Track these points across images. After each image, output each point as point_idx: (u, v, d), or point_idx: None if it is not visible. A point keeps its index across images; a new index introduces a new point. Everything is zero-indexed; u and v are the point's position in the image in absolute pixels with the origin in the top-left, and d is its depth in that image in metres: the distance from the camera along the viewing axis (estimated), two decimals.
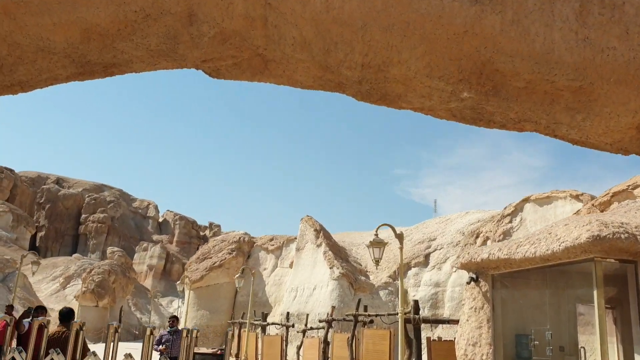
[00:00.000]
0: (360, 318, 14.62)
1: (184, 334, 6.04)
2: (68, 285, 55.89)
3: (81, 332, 5.52)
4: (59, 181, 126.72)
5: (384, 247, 11.22)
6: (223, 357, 15.33)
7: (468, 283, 9.95)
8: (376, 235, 11.32)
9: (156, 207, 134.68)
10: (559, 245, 7.67)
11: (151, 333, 6.09)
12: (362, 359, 14.09)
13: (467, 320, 9.91)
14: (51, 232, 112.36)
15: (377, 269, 11.30)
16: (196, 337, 6.62)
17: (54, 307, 47.83)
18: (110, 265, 44.87)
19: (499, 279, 9.59)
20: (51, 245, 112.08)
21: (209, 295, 28.85)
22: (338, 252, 22.57)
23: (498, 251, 9.10)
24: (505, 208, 18.93)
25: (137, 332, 47.20)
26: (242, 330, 21.31)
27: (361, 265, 24.04)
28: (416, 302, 12.68)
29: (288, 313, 19.96)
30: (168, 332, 11.12)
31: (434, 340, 12.31)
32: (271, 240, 29.67)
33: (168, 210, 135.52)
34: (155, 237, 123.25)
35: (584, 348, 8.45)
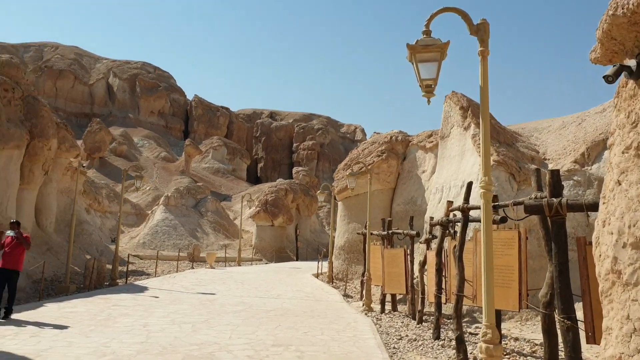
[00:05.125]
0: (474, 213, 8.76)
1: None
2: None
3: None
4: (272, 115, 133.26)
5: (441, 56, 5.26)
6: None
7: (610, 81, 3.64)
8: (426, 33, 5.39)
9: (363, 131, 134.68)
10: None
11: None
12: (475, 279, 8.37)
13: (619, 183, 3.71)
14: (269, 162, 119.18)
15: (428, 103, 5.39)
16: None
17: (249, 230, 48.66)
18: (289, 185, 43.35)
19: None
20: (270, 174, 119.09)
21: (360, 205, 24.53)
22: (495, 135, 16.03)
23: None
24: None
25: (325, 250, 45.58)
26: (366, 244, 16.55)
27: (537, 153, 17.18)
28: (555, 173, 6.43)
29: (412, 218, 14.49)
30: None
31: (590, 243, 6.08)
32: (429, 136, 23.79)
33: (375, 133, 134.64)
34: None
35: None
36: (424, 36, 5.47)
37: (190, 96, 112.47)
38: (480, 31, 5.43)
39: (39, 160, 17.88)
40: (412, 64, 5.48)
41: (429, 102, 5.49)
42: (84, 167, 22.85)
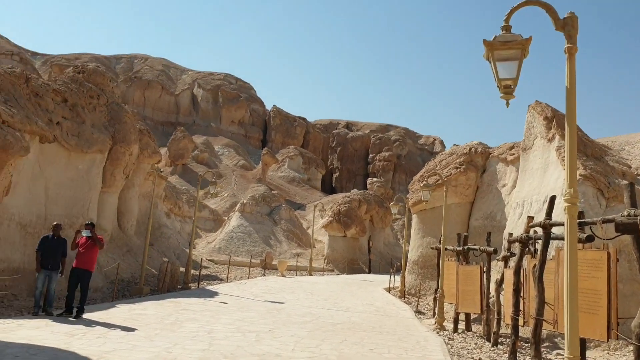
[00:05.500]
0: (557, 230, 8.03)
1: None
2: None
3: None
4: (348, 125, 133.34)
5: (522, 53, 4.76)
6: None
7: None
8: (506, 28, 4.90)
9: (442, 142, 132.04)
10: None
11: None
12: (557, 302, 7.65)
13: None
14: (344, 172, 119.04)
15: (507, 105, 4.89)
16: None
17: (322, 240, 48.60)
18: (363, 195, 42.92)
19: None
20: (345, 184, 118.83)
21: (436, 219, 23.70)
22: (582, 147, 14.95)
23: None
24: None
25: (398, 263, 44.71)
26: (440, 259, 15.85)
27: (629, 167, 15.89)
28: None
29: (489, 234, 13.68)
30: None
31: None
32: (511, 148, 22.64)
33: (455, 145, 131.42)
34: None
35: None
36: (503, 32, 4.99)
37: (269, 106, 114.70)
38: (567, 26, 4.88)
39: (121, 164, 18.56)
40: (490, 62, 5.00)
41: (507, 104, 4.99)
42: (161, 171, 23.54)
